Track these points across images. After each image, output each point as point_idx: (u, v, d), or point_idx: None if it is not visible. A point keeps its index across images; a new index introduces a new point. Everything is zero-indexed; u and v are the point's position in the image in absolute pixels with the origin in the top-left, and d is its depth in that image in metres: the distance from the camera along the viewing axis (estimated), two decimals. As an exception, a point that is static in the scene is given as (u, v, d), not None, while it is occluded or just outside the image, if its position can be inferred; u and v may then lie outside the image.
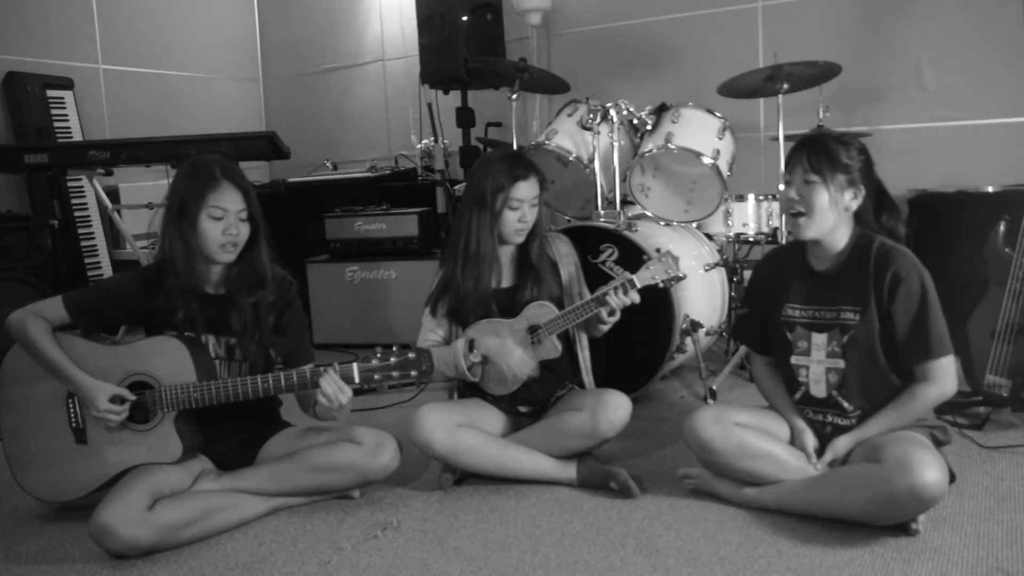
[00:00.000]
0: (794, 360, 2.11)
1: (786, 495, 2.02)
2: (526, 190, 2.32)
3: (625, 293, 2.23)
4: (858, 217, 2.05)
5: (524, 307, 2.35)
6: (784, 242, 3.27)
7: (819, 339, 2.06)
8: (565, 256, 2.50)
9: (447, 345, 2.38)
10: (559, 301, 2.40)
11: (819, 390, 2.07)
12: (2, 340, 2.22)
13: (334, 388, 2.02)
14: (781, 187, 3.23)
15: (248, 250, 2.19)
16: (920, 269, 1.96)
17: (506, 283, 2.43)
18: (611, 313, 2.28)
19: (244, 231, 2.16)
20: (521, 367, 2.31)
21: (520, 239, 2.38)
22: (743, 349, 3.30)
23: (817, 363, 2.07)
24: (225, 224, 2.12)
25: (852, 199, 2.01)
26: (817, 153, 1.99)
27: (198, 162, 2.19)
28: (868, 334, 1.99)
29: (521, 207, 2.32)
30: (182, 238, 2.12)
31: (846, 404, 2.04)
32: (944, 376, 1.96)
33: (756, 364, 2.29)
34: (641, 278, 2.25)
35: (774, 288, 2.17)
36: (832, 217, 2.00)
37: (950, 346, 1.95)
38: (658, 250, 2.36)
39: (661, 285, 2.29)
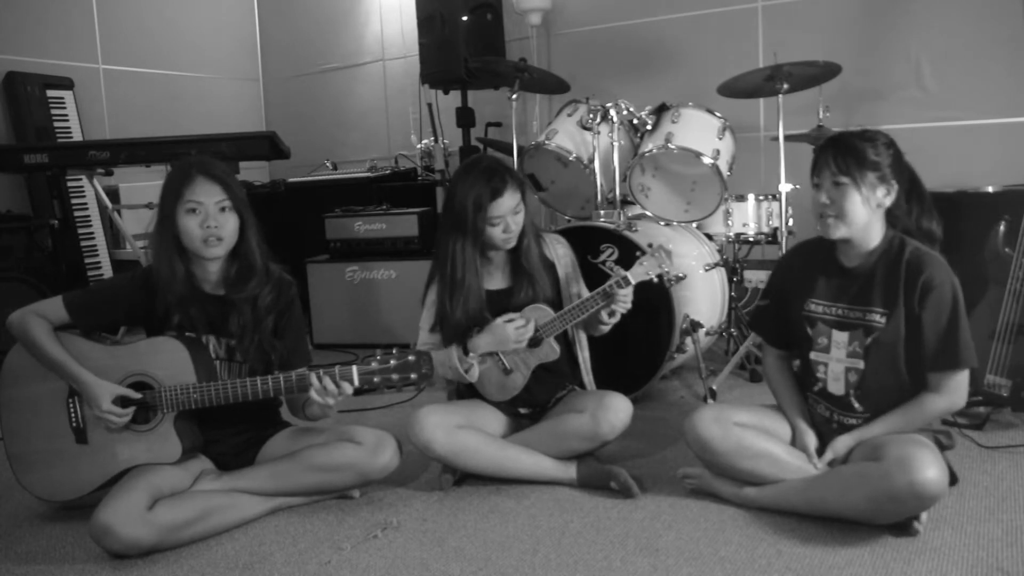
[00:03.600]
0: (813, 356, 2.09)
1: (786, 494, 2.02)
2: (505, 205, 2.26)
3: (620, 289, 2.23)
4: (890, 214, 2.02)
5: (520, 310, 2.34)
6: (786, 240, 3.27)
7: (841, 337, 2.04)
8: (562, 257, 2.49)
9: (444, 347, 2.37)
10: (554, 304, 2.39)
11: (837, 388, 2.05)
12: (2, 340, 2.23)
13: (330, 386, 2.01)
14: (785, 187, 3.27)
15: (239, 244, 2.19)
16: (952, 277, 1.94)
17: (501, 284, 2.41)
18: (611, 314, 2.28)
19: (228, 223, 2.14)
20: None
21: (510, 246, 2.34)
22: (743, 349, 3.31)
23: (837, 361, 2.05)
24: (202, 217, 2.10)
25: (885, 196, 1.97)
26: (844, 153, 1.95)
27: (177, 164, 2.20)
28: (893, 338, 1.96)
29: (503, 220, 2.29)
30: (163, 243, 2.12)
31: (858, 405, 2.03)
32: (957, 388, 1.95)
33: (768, 357, 2.27)
34: (635, 274, 2.25)
35: (798, 282, 2.14)
36: (864, 216, 1.96)
37: (975, 358, 1.94)
38: (650, 245, 2.35)
39: (656, 280, 2.28)
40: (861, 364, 2.01)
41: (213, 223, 2.10)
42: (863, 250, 2.02)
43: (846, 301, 2.05)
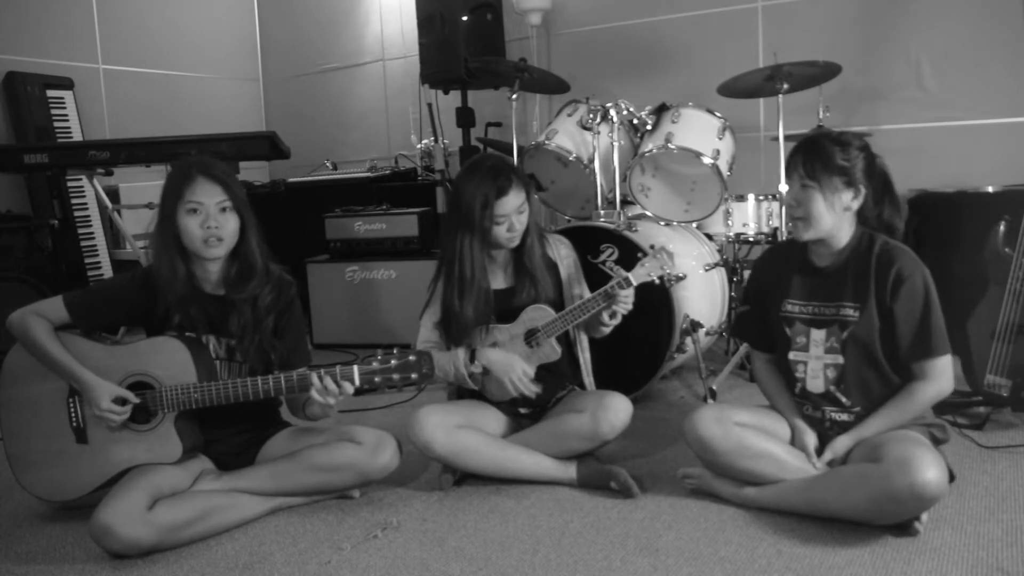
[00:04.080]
0: (792, 356, 2.11)
1: (786, 494, 2.02)
2: (510, 203, 2.27)
3: (622, 290, 2.23)
4: (859, 214, 2.05)
5: (521, 310, 2.34)
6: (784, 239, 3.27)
7: (818, 335, 2.07)
8: (565, 258, 2.49)
9: (446, 347, 2.37)
10: (556, 305, 2.38)
11: (816, 385, 2.08)
12: (2, 340, 2.22)
13: (331, 386, 2.01)
14: (785, 187, 3.26)
15: (239, 245, 2.18)
16: (922, 268, 1.98)
17: (503, 284, 2.42)
18: (612, 315, 2.28)
19: (229, 223, 2.13)
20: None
21: (514, 244, 2.35)
22: (743, 349, 3.31)
23: (815, 359, 2.07)
24: (202, 217, 2.10)
25: (852, 199, 2.00)
26: (812, 158, 1.99)
27: (177, 164, 2.19)
28: (868, 331, 1.99)
29: (507, 219, 2.29)
30: (163, 241, 2.12)
31: (844, 399, 2.04)
32: (942, 374, 1.97)
33: (757, 362, 2.29)
34: (637, 275, 2.25)
35: (774, 284, 2.17)
36: (831, 219, 2.00)
37: (949, 344, 1.97)
38: (652, 246, 2.36)
39: (657, 282, 2.28)
40: (840, 359, 2.03)
41: (213, 223, 2.10)
42: (833, 249, 2.06)
43: (819, 299, 2.08)
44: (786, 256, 2.18)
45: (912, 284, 1.95)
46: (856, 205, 2.01)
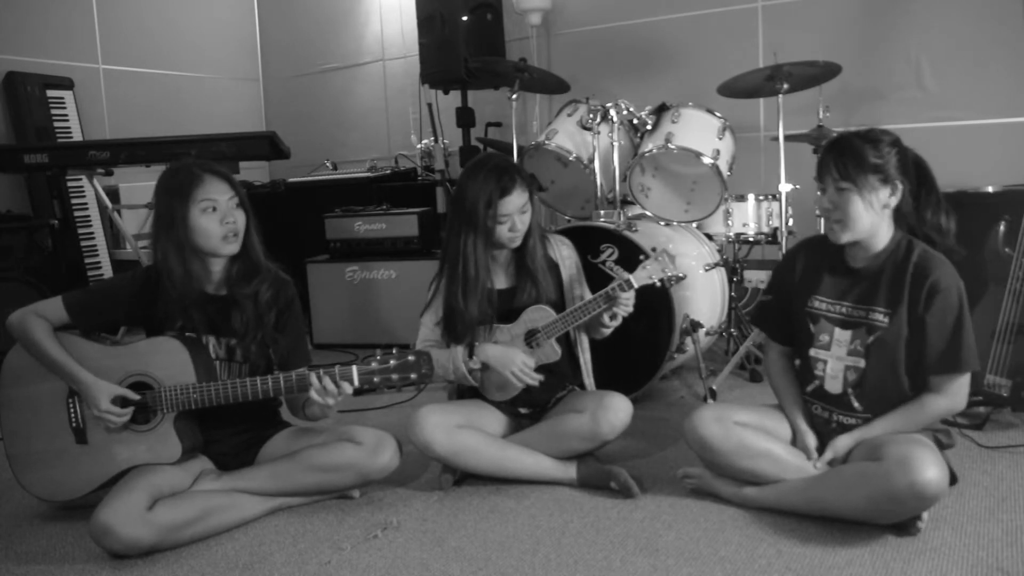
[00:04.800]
0: (813, 353, 2.09)
1: (786, 494, 2.02)
2: (513, 203, 2.28)
3: (623, 292, 2.23)
4: (897, 211, 1.99)
5: (522, 311, 2.34)
6: (786, 240, 3.27)
7: (843, 335, 2.04)
8: (567, 259, 2.49)
9: (446, 346, 2.37)
10: (557, 306, 2.38)
11: (834, 386, 2.05)
12: (2, 340, 2.23)
13: (330, 386, 2.01)
14: (785, 187, 3.27)
15: (244, 241, 2.19)
16: (958, 281, 1.93)
17: (504, 284, 2.42)
18: (612, 317, 2.27)
19: (241, 218, 2.16)
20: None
21: (515, 244, 2.35)
22: (743, 349, 3.31)
23: (836, 359, 2.04)
24: (221, 214, 2.12)
25: (890, 196, 1.95)
26: (844, 158, 1.94)
27: (174, 167, 2.19)
28: (895, 338, 1.96)
29: (510, 219, 2.30)
30: (175, 244, 2.12)
31: (857, 404, 2.02)
32: (958, 391, 1.95)
33: (770, 353, 2.26)
34: (638, 278, 2.24)
35: (803, 278, 2.13)
36: (870, 219, 1.95)
37: (977, 362, 1.93)
38: (654, 249, 2.36)
39: (659, 284, 2.28)
40: (862, 363, 2.00)
41: (231, 219, 2.13)
42: (871, 252, 2.01)
43: (850, 300, 2.04)
44: (819, 251, 2.13)
45: (947, 297, 1.91)
46: (894, 202, 1.97)
